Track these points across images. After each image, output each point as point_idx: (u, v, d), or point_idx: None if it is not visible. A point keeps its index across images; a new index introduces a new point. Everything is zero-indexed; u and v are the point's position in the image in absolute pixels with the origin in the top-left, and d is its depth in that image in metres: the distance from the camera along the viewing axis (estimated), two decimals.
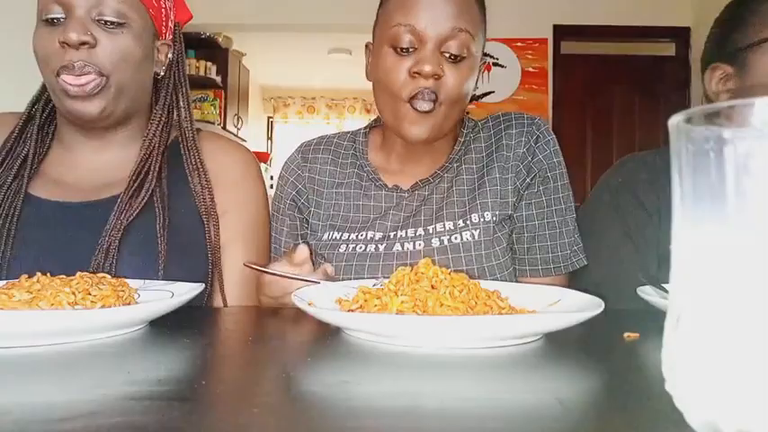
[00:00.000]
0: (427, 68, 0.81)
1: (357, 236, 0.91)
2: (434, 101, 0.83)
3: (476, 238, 0.87)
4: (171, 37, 0.91)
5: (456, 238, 0.88)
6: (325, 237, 0.93)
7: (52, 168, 0.87)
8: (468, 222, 0.89)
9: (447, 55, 0.83)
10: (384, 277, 0.71)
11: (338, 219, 0.94)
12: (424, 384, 0.39)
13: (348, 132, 1.04)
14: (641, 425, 0.32)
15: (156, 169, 0.86)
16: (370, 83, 0.93)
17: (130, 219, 0.80)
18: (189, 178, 0.88)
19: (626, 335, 0.54)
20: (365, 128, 1.03)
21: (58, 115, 0.89)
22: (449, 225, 0.89)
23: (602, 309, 0.51)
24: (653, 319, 0.64)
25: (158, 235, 0.81)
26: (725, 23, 0.94)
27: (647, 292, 0.64)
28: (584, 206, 1.04)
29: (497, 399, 0.37)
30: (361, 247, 0.89)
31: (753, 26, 0.88)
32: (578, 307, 0.55)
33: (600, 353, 0.52)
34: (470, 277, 0.81)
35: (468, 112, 0.99)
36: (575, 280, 0.94)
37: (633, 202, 0.94)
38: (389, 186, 0.95)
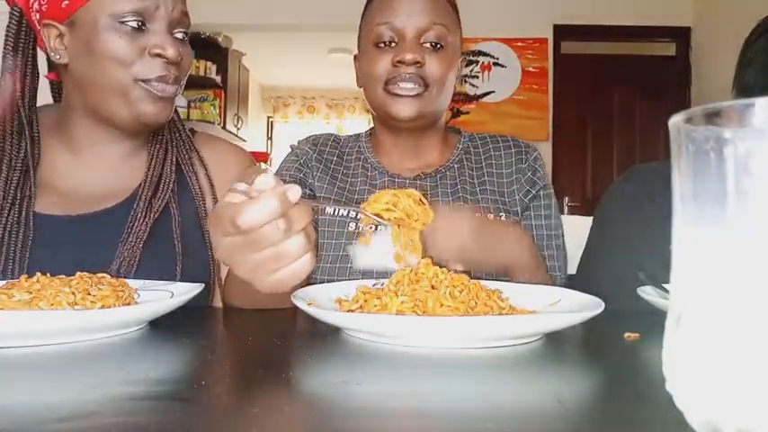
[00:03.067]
0: (408, 56, 0.87)
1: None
2: (424, 86, 0.89)
3: None
4: None
5: None
6: (331, 211, 0.94)
7: (51, 175, 0.84)
8: None
9: (427, 45, 0.90)
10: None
11: (343, 197, 0.97)
12: (424, 384, 0.39)
13: (352, 135, 1.10)
14: (641, 425, 0.32)
15: (171, 180, 0.85)
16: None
17: (147, 230, 0.79)
18: (188, 183, 0.87)
19: (626, 335, 0.54)
20: (366, 131, 1.08)
21: (83, 117, 0.84)
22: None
23: (602, 309, 0.51)
24: (653, 319, 0.64)
25: (176, 250, 0.80)
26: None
27: (648, 292, 0.64)
28: (597, 219, 1.03)
29: (497, 399, 0.37)
30: (370, 227, 0.92)
31: None
32: (578, 307, 0.55)
33: (600, 353, 0.52)
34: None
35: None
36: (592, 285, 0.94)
37: (651, 204, 0.93)
38: (391, 173, 0.99)
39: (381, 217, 0.62)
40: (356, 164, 1.02)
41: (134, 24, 0.77)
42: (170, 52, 0.78)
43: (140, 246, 0.77)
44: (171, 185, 0.84)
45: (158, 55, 0.78)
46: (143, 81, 0.78)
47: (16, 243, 0.76)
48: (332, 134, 1.09)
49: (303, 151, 1.02)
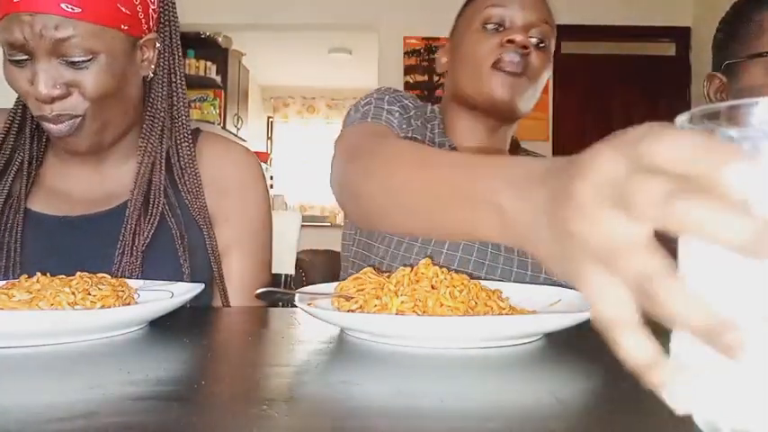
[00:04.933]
0: (520, 38, 0.89)
1: None
2: (525, 71, 0.90)
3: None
4: (155, 24, 0.82)
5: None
6: None
7: (49, 177, 0.84)
8: None
9: (532, 39, 0.92)
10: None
11: None
12: (424, 384, 0.39)
13: (421, 106, 1.03)
14: (641, 425, 0.32)
15: (161, 183, 0.82)
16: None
17: (146, 242, 0.77)
18: (179, 186, 0.85)
19: None
20: (431, 105, 1.04)
21: None
22: None
23: None
24: (653, 319, 0.64)
25: (179, 255, 0.79)
26: (723, 32, 0.91)
27: None
28: None
29: (497, 399, 0.37)
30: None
31: (747, 39, 0.85)
32: (578, 307, 0.55)
33: (600, 353, 0.52)
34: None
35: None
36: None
37: None
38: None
39: (349, 297, 0.60)
40: (423, 133, 0.97)
41: (13, 57, 0.72)
42: (37, 92, 0.71)
43: (138, 260, 0.76)
44: (162, 197, 0.82)
45: (33, 95, 0.72)
46: (38, 118, 0.74)
47: (10, 238, 0.75)
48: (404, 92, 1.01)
49: (393, 92, 0.96)
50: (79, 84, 0.73)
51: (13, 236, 0.76)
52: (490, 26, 0.91)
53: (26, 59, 0.72)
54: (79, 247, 0.78)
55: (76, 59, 0.72)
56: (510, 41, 0.89)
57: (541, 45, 0.93)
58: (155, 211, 0.80)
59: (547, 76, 0.95)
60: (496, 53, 0.90)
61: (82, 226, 0.79)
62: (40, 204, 0.80)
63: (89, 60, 0.73)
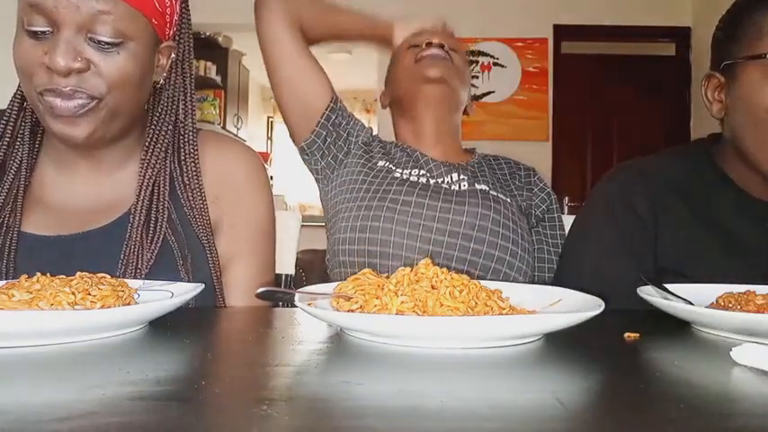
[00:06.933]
0: (436, 39, 1.14)
1: (404, 168, 1.10)
2: (447, 53, 1.13)
3: (508, 202, 1.06)
4: (173, 33, 0.81)
5: (494, 194, 1.05)
6: (381, 164, 1.10)
7: (42, 188, 0.79)
8: (499, 194, 1.07)
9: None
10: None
11: (391, 156, 1.13)
12: (424, 384, 0.39)
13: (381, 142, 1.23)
14: (641, 425, 0.32)
15: (165, 199, 0.79)
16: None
17: (149, 264, 0.74)
18: (182, 201, 0.81)
19: (626, 335, 0.54)
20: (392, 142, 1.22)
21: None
22: (485, 185, 1.08)
23: (602, 309, 0.51)
24: (653, 319, 0.64)
25: (182, 277, 0.76)
26: (723, 31, 0.90)
27: (648, 293, 0.64)
28: (580, 215, 1.02)
29: (497, 399, 0.37)
30: (413, 177, 1.07)
31: (747, 40, 0.84)
32: (578, 307, 0.55)
33: (600, 353, 0.52)
34: (504, 236, 1.00)
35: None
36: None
37: (629, 212, 0.90)
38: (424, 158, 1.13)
39: (349, 297, 0.59)
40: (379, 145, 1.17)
41: (32, 27, 0.67)
42: (54, 61, 0.66)
43: (142, 277, 0.73)
44: (164, 215, 0.79)
45: (47, 65, 0.67)
46: (41, 94, 0.69)
47: (1, 263, 0.71)
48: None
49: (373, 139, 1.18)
50: (102, 66, 0.70)
51: (5, 260, 0.72)
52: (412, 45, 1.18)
53: (47, 31, 0.68)
54: (74, 266, 0.74)
55: (106, 40, 0.69)
56: (429, 44, 1.13)
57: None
58: (157, 230, 0.77)
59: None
60: (416, 50, 1.16)
61: (77, 245, 0.75)
62: (32, 223, 0.76)
63: (118, 45, 0.71)
